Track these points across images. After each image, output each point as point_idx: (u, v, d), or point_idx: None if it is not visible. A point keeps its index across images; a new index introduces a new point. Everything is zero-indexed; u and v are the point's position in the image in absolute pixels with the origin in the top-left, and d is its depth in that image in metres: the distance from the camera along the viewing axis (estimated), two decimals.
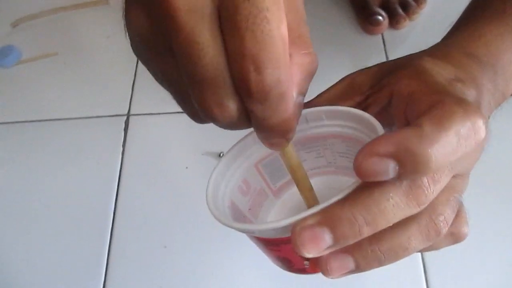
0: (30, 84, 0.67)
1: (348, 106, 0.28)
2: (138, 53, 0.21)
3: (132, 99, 0.63)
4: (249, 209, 0.30)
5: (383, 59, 0.61)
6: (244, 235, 0.26)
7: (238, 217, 0.29)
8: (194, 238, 0.52)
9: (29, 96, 0.66)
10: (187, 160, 0.56)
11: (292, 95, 0.20)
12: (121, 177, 0.57)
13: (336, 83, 0.30)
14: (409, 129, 0.19)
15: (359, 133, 0.27)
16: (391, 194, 0.20)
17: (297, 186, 0.27)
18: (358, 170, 0.19)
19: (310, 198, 0.27)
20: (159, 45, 0.19)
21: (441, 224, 0.22)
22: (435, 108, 0.21)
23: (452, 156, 0.19)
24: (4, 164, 0.61)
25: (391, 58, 0.61)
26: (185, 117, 0.24)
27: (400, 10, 0.63)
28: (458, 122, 0.20)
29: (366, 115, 0.26)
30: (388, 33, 0.63)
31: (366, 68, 0.30)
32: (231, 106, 0.20)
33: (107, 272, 0.51)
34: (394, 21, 0.63)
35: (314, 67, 0.23)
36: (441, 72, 0.25)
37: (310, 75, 0.22)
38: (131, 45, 0.21)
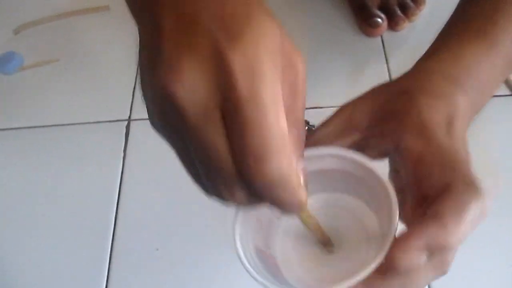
0: (32, 90, 0.68)
1: (346, 144, 0.30)
2: (155, 128, 0.23)
3: (133, 104, 0.63)
4: (265, 242, 0.31)
5: (382, 61, 0.61)
6: None
7: (263, 258, 0.30)
8: (196, 242, 0.52)
9: (31, 102, 0.66)
10: None
11: (296, 178, 0.21)
12: (122, 181, 0.57)
13: (333, 116, 0.31)
14: (434, 223, 0.24)
15: (359, 173, 0.29)
16: (423, 273, 0.25)
17: (307, 229, 0.28)
18: (395, 265, 0.24)
19: (320, 235, 0.29)
20: (172, 131, 0.22)
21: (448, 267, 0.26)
22: (449, 194, 0.25)
23: (468, 235, 0.24)
24: (6, 169, 0.61)
25: (390, 60, 0.61)
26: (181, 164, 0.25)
27: (399, 12, 0.63)
28: (472, 212, 0.24)
29: (375, 170, 0.28)
30: (387, 35, 0.64)
31: (361, 99, 0.32)
32: (240, 193, 0.22)
33: (109, 276, 0.51)
34: (393, 22, 0.63)
35: (304, 136, 0.24)
36: (438, 120, 0.28)
37: (303, 142, 0.24)
38: (149, 119, 0.23)
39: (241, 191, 0.22)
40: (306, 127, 0.56)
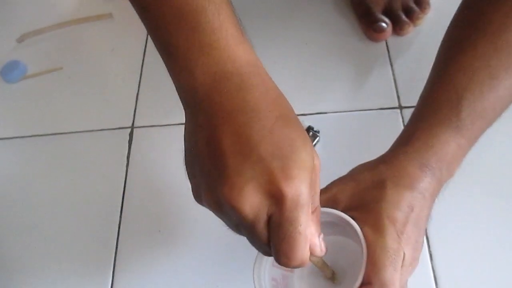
0: (36, 99, 0.68)
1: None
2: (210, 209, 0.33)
3: (136, 111, 0.63)
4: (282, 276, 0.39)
5: (387, 65, 0.61)
6: None
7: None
8: (199, 248, 0.51)
9: (35, 111, 0.66)
10: None
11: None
12: (126, 188, 0.57)
13: (321, 195, 0.36)
14: None
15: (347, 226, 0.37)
16: None
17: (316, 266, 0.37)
18: None
19: (326, 270, 0.37)
20: (229, 222, 0.32)
21: None
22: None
23: None
24: (10, 177, 0.61)
25: (395, 65, 0.61)
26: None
27: (403, 16, 0.62)
28: None
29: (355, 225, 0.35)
30: (392, 40, 0.63)
31: (344, 183, 0.39)
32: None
33: (113, 284, 0.51)
34: (397, 27, 0.62)
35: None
36: (397, 217, 0.35)
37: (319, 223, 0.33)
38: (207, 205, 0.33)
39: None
40: (310, 133, 0.55)
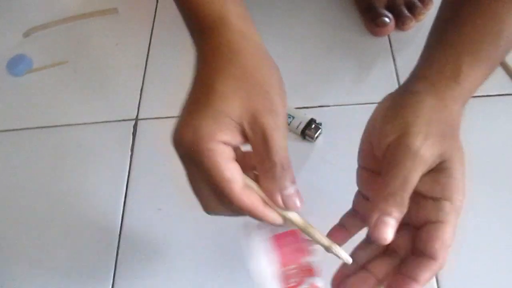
0: (41, 92, 0.68)
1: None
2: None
3: (140, 103, 0.64)
4: None
5: (389, 60, 0.61)
6: None
7: None
8: (203, 239, 0.52)
9: (40, 103, 0.67)
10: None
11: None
12: (130, 180, 0.57)
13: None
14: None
15: None
16: None
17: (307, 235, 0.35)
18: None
19: (318, 238, 0.35)
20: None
21: None
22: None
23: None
24: (16, 169, 0.61)
25: (398, 59, 0.61)
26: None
27: (406, 11, 0.63)
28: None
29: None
30: (395, 35, 0.63)
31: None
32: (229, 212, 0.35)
33: (115, 278, 0.52)
34: (400, 22, 0.63)
35: (281, 120, 0.34)
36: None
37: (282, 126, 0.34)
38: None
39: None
40: (313, 125, 0.56)
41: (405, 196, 0.31)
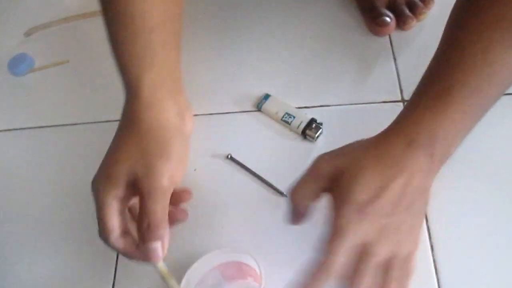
0: (43, 91, 0.68)
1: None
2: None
3: None
4: None
5: (390, 60, 0.61)
6: None
7: None
8: (202, 237, 0.52)
9: (42, 103, 0.67)
10: (195, 162, 0.56)
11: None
12: None
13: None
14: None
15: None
16: None
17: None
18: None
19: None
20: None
21: None
22: None
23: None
24: (17, 169, 0.62)
25: (398, 59, 0.61)
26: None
27: (407, 11, 0.63)
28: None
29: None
30: (396, 34, 0.63)
31: (330, 154, 0.42)
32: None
33: (116, 278, 0.52)
34: (401, 22, 0.62)
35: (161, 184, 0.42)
36: (358, 203, 0.37)
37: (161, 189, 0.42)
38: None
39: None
40: (314, 125, 0.56)
41: None
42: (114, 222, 0.41)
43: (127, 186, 0.41)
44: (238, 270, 0.46)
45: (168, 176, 0.41)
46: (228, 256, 0.46)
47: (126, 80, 0.45)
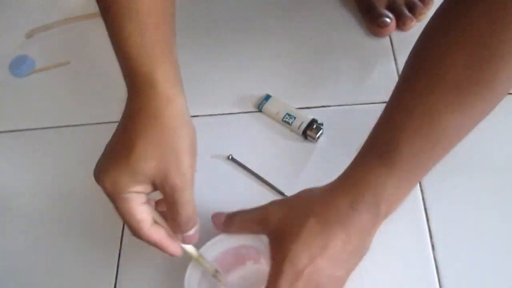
0: (44, 92, 0.69)
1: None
2: None
3: None
4: None
5: (391, 60, 0.61)
6: None
7: None
8: (203, 238, 0.52)
9: (43, 104, 0.67)
10: (196, 163, 0.56)
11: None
12: None
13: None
14: None
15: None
16: None
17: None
18: None
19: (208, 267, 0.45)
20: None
21: None
22: None
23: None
24: (18, 170, 0.62)
25: (399, 59, 0.61)
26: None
27: (406, 11, 0.63)
28: None
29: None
30: (396, 35, 0.64)
31: (277, 204, 0.45)
32: None
33: (117, 279, 0.52)
34: (401, 22, 0.63)
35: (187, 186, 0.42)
36: (297, 264, 0.40)
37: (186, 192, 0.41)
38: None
39: None
40: (314, 125, 0.56)
41: None
42: (144, 214, 0.40)
43: (152, 185, 0.40)
44: (235, 257, 0.47)
45: (194, 170, 0.41)
46: (223, 244, 0.46)
47: (135, 73, 0.42)
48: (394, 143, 0.38)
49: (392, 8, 0.63)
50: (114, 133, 0.43)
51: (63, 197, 0.58)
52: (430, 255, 0.48)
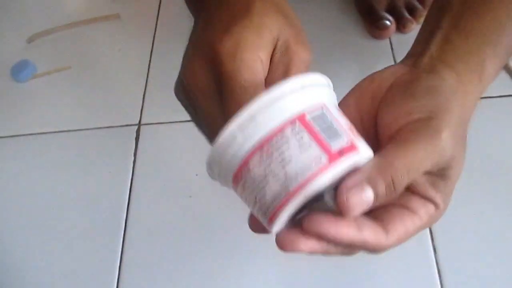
0: (45, 97, 0.69)
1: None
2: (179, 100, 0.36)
3: (143, 109, 0.64)
4: None
5: (391, 63, 0.61)
6: None
7: None
8: (207, 244, 0.52)
9: (44, 109, 0.67)
10: (197, 167, 0.57)
11: None
12: (133, 185, 0.58)
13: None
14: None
15: None
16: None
17: None
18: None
19: None
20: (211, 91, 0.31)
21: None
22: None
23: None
24: (19, 175, 0.62)
25: (399, 62, 0.61)
26: (194, 126, 0.33)
27: (406, 14, 0.63)
28: None
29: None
30: (396, 37, 0.63)
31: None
32: None
33: (119, 281, 0.52)
34: (401, 25, 0.63)
35: (310, 59, 0.34)
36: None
37: (308, 66, 0.34)
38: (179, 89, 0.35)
39: None
40: None
41: (405, 182, 0.27)
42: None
43: (271, 51, 0.33)
44: None
45: None
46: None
47: None
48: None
49: (392, 10, 0.63)
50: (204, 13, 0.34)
51: (65, 201, 0.58)
52: (432, 257, 0.47)
